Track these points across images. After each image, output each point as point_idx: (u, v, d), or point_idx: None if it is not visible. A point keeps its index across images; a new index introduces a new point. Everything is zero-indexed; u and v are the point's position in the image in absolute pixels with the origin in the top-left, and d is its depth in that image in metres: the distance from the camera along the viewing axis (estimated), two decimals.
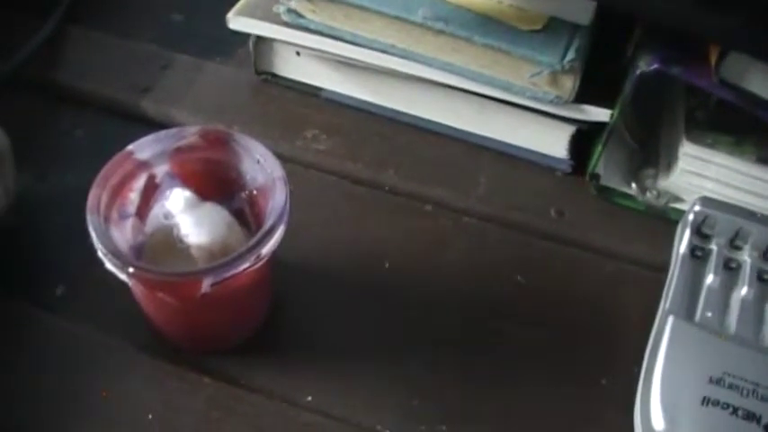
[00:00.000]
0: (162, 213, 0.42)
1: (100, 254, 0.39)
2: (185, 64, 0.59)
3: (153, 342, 0.44)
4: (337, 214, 0.51)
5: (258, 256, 0.39)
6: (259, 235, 0.39)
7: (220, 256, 0.40)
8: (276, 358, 0.44)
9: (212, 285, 0.38)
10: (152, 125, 0.53)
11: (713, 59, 0.45)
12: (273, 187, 0.41)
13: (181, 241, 0.41)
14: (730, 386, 0.40)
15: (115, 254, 0.38)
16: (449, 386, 0.44)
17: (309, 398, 0.42)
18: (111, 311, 0.45)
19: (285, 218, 0.40)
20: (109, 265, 0.38)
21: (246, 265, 0.38)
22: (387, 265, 0.48)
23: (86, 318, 0.45)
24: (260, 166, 0.42)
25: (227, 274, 0.38)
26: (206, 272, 0.38)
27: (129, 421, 0.41)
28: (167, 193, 0.42)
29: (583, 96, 0.49)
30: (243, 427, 0.41)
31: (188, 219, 0.41)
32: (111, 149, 0.42)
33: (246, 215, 0.43)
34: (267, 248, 0.39)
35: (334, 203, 0.51)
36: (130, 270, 0.37)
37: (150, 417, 0.41)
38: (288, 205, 0.40)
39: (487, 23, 0.48)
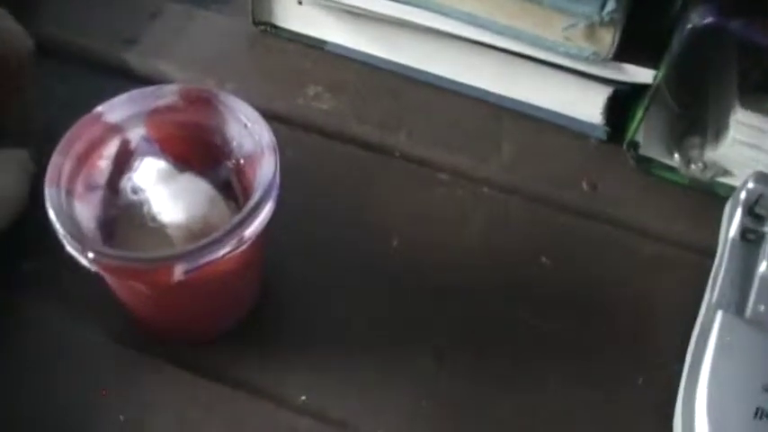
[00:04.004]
0: (129, 187, 0.37)
1: (59, 235, 0.34)
2: (175, 12, 0.55)
3: (128, 331, 0.40)
4: (340, 184, 0.47)
5: (241, 239, 0.34)
6: (242, 214, 0.34)
7: (202, 235, 0.35)
8: (265, 351, 0.41)
9: (186, 273, 0.33)
10: (138, 81, 0.51)
11: None
12: (261, 156, 0.36)
13: (153, 219, 0.36)
14: None
15: (74, 235, 0.33)
16: (461, 384, 0.41)
17: (304, 397, 0.39)
18: (83, 295, 0.41)
19: (274, 193, 0.36)
20: (69, 248, 0.34)
21: (227, 249, 0.34)
22: (394, 243, 0.45)
23: (56, 302, 0.41)
24: (247, 131, 0.38)
25: (204, 261, 0.33)
26: (178, 258, 0.33)
27: (97, 421, 0.38)
28: (137, 163, 0.37)
29: (623, 54, 0.45)
30: (225, 429, 0.38)
31: (162, 192, 0.37)
32: (92, 107, 0.38)
33: (235, 187, 0.39)
34: (252, 230, 0.34)
35: (336, 171, 0.48)
36: (90, 255, 0.33)
37: (122, 418, 0.38)
38: (277, 178, 0.36)
39: None
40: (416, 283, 0.43)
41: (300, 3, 0.51)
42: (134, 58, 0.52)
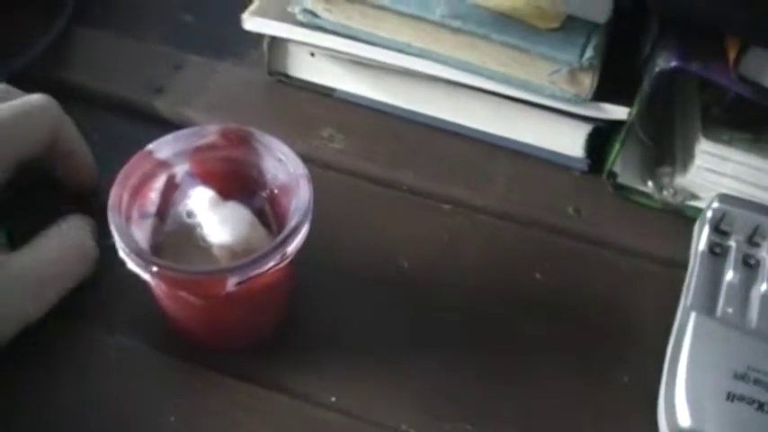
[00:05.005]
0: (185, 212, 0.41)
1: (122, 253, 0.38)
2: (198, 64, 0.58)
3: (171, 342, 0.43)
4: (354, 213, 0.51)
5: (283, 255, 0.38)
6: (284, 233, 0.39)
7: (243, 255, 0.40)
8: (296, 357, 0.44)
9: (238, 284, 0.38)
10: (167, 125, 0.53)
11: (732, 55, 0.45)
12: (297, 185, 0.41)
13: (203, 240, 0.41)
14: (755, 381, 0.40)
15: (138, 253, 0.38)
16: (471, 385, 0.43)
17: (333, 398, 0.42)
18: (126, 312, 0.45)
19: (309, 216, 0.40)
20: (131, 265, 0.38)
21: (272, 264, 0.38)
22: (405, 264, 0.48)
23: (101, 318, 0.44)
24: (282, 164, 0.42)
25: (253, 273, 0.38)
26: (231, 270, 0.37)
27: (151, 424, 0.41)
28: (190, 191, 0.42)
29: (600, 94, 0.49)
30: (265, 427, 0.41)
31: (212, 218, 0.41)
32: (127, 150, 0.42)
33: (267, 215, 0.43)
34: (292, 247, 0.39)
35: (350, 203, 0.51)
36: (154, 269, 0.37)
37: (173, 419, 0.41)
38: (312, 203, 0.40)
39: (505, 22, 0.48)
40: (425, 297, 0.46)
41: (313, 55, 0.55)
42: (163, 106, 0.55)
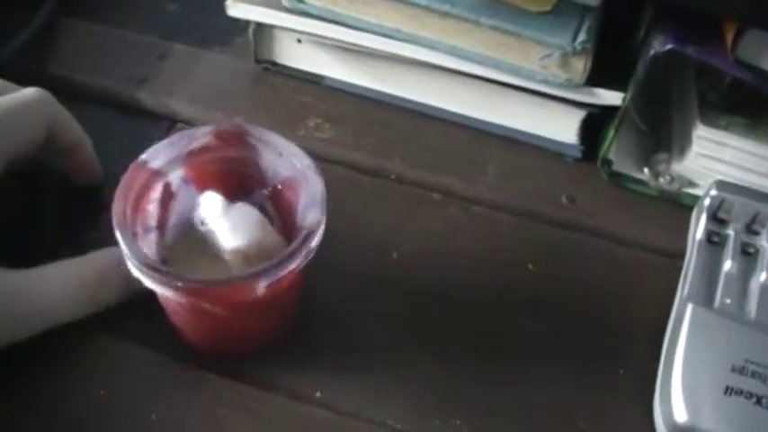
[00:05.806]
0: (199, 220, 0.40)
1: (137, 272, 0.36)
2: (182, 54, 0.57)
3: (157, 338, 0.42)
4: (342, 204, 0.49)
5: (309, 251, 0.37)
6: (308, 228, 0.37)
7: (255, 258, 0.38)
8: (284, 353, 0.42)
9: (268, 287, 0.36)
10: (151, 116, 0.53)
11: (729, 38, 0.44)
12: (305, 178, 0.39)
13: (216, 247, 0.39)
14: (753, 374, 0.39)
15: (158, 270, 0.36)
16: (461, 379, 0.42)
17: (318, 393, 0.41)
18: (128, 320, 0.43)
19: (326, 206, 0.38)
20: (149, 282, 0.36)
21: (299, 261, 0.37)
22: (395, 255, 0.47)
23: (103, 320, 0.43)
24: (283, 159, 0.40)
25: (282, 274, 0.36)
26: (260, 274, 0.36)
27: (132, 420, 0.40)
28: (197, 198, 0.40)
29: (594, 79, 0.48)
30: (250, 424, 0.40)
31: (224, 223, 0.39)
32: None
33: (269, 213, 0.42)
34: (315, 242, 0.37)
35: (339, 193, 0.48)
36: (179, 284, 0.35)
37: (154, 416, 0.40)
38: (325, 194, 0.39)
39: (495, 5, 0.47)
40: (416, 290, 0.45)
41: (299, 41, 0.53)
42: (146, 97, 0.54)
